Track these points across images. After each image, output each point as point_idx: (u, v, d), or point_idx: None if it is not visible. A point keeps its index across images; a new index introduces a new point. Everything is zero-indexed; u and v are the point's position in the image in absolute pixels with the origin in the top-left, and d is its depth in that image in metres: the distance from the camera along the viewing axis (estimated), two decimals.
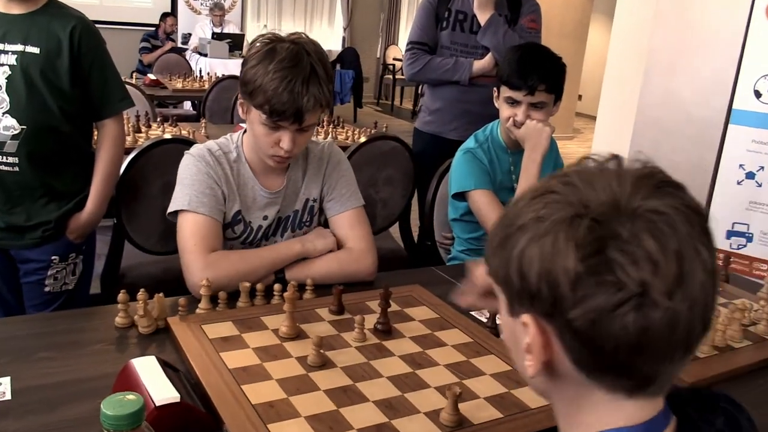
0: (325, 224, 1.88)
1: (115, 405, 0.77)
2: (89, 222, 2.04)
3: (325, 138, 3.25)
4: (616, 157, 0.68)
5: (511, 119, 2.03)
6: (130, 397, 0.80)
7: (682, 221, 0.63)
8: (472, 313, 1.61)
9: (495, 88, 2.11)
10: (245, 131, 1.71)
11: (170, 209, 1.63)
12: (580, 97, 10.31)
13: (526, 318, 0.67)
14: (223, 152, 1.69)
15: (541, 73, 1.97)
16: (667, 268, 0.61)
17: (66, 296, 2.07)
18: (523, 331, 0.69)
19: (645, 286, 0.61)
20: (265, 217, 1.72)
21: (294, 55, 1.52)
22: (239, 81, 1.61)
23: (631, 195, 0.64)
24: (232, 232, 1.70)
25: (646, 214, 0.62)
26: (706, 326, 0.66)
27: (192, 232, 1.58)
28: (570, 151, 8.65)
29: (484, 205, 2.05)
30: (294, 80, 1.50)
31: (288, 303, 1.38)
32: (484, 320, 1.55)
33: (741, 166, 3.35)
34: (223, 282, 1.52)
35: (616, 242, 0.62)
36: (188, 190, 1.61)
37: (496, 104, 2.10)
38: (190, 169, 1.64)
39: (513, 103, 2.02)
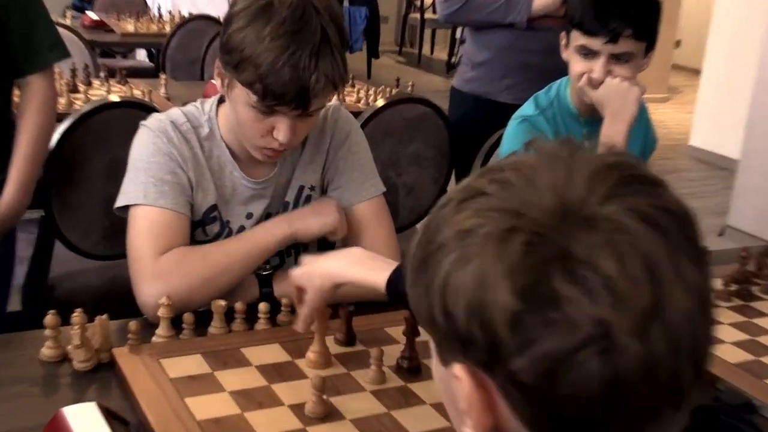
0: None
1: None
2: (8, 215, 2.04)
3: None
4: (569, 142, 0.68)
5: (586, 76, 1.99)
6: None
7: (655, 231, 0.62)
8: None
9: (563, 34, 2.08)
10: (221, 99, 1.71)
11: (119, 203, 1.63)
12: (678, 43, 10.20)
13: (458, 370, 0.67)
14: (192, 126, 1.69)
15: (627, 13, 1.93)
16: (633, 299, 0.60)
17: None
18: (458, 387, 0.68)
19: (605, 325, 0.60)
20: (250, 215, 1.73)
21: (299, 16, 1.49)
22: (220, 46, 1.59)
23: (586, 197, 0.63)
24: (203, 234, 1.71)
25: (604, 224, 0.62)
26: (700, 368, 0.65)
27: (145, 230, 1.59)
28: (664, 118, 8.58)
29: None
30: (298, 51, 1.48)
31: (319, 321, 1.40)
32: None
33: None
34: (183, 296, 1.52)
35: (563, 265, 0.61)
36: (144, 177, 1.61)
37: (563, 56, 2.08)
38: (147, 148, 1.64)
39: (588, 54, 1.98)
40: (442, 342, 0.69)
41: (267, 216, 1.75)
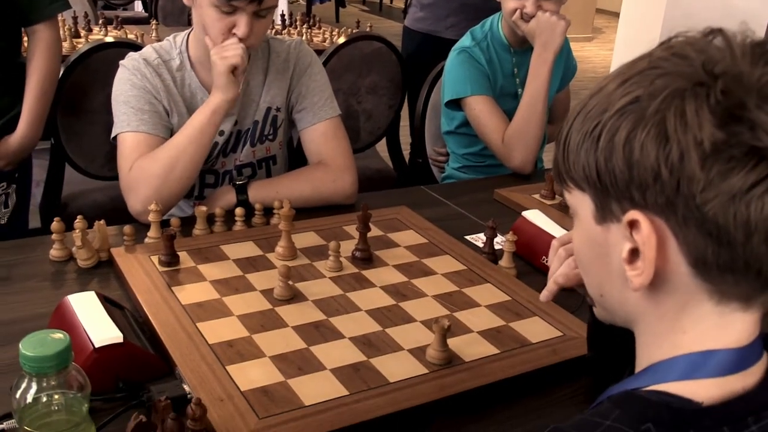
0: (298, 143, 1.88)
1: (35, 344, 0.76)
2: (22, 147, 2.00)
3: None
4: (719, 31, 0.66)
5: (518, 11, 1.99)
6: (56, 335, 0.79)
7: None
8: (467, 237, 1.61)
9: None
10: (191, 31, 1.70)
11: (112, 134, 1.63)
12: None
13: (634, 215, 0.65)
14: (163, 60, 1.67)
15: None
16: None
17: None
18: (622, 237, 0.66)
19: None
20: (221, 132, 1.70)
21: None
22: None
23: (752, 67, 0.62)
24: None
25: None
26: None
27: (127, 152, 1.58)
28: (588, 54, 8.53)
29: (483, 113, 2.03)
30: None
31: (284, 221, 1.41)
32: (480, 245, 1.56)
33: None
34: (153, 197, 1.48)
35: (748, 111, 0.60)
36: (124, 108, 1.61)
37: None
38: (123, 84, 1.63)
39: None
40: (610, 197, 0.67)
41: (238, 132, 1.74)
